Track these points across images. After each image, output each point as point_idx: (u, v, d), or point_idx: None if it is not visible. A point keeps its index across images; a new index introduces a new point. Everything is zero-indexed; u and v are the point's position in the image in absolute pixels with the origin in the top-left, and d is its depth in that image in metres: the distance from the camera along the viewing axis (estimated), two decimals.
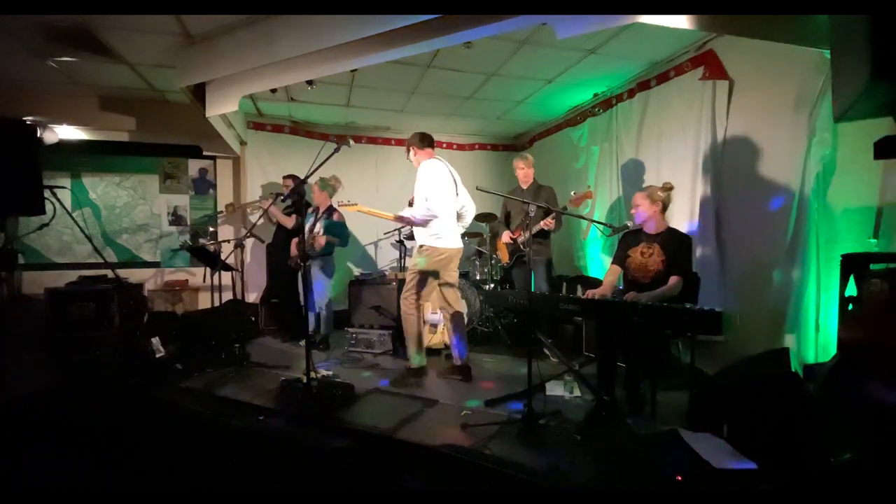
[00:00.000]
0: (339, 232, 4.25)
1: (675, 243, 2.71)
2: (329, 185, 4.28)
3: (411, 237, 3.75)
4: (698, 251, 3.44)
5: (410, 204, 3.45)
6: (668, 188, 2.82)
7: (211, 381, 3.28)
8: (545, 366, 3.39)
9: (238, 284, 4.21)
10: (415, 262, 3.31)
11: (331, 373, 3.41)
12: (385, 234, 5.37)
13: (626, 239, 2.93)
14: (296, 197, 4.52)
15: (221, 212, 5.30)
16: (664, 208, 2.80)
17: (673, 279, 2.64)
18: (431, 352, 3.94)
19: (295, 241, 4.26)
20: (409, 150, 3.44)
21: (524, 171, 4.07)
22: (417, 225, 3.26)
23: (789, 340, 2.79)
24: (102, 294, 4.31)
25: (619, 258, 2.93)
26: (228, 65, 3.28)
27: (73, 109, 4.57)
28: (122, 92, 4.51)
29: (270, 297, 5.08)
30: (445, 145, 6.36)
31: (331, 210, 4.30)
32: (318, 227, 4.19)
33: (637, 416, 2.57)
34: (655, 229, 2.78)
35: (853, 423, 1.86)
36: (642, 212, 2.77)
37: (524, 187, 4.10)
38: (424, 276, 3.26)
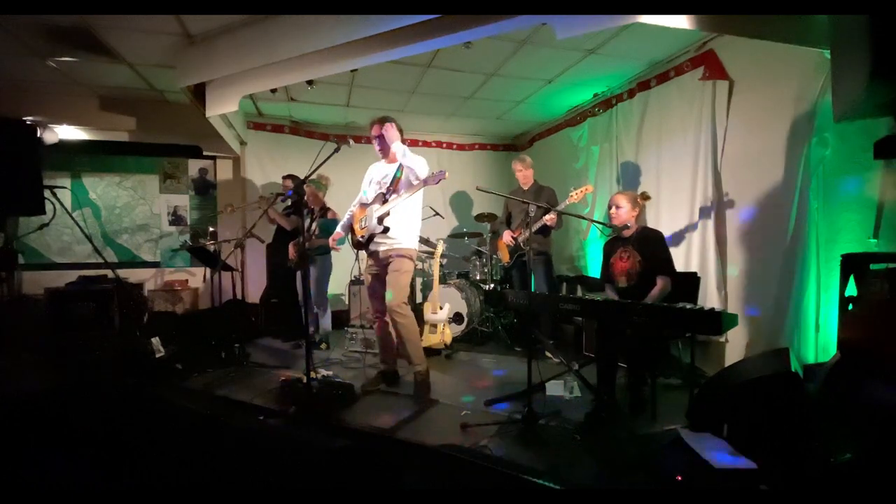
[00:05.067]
0: (333, 229, 4.24)
1: (648, 242, 2.74)
2: (322, 186, 4.29)
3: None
4: (698, 251, 3.44)
5: (384, 201, 3.04)
6: (646, 198, 2.86)
7: (211, 381, 3.28)
8: (545, 366, 3.39)
9: (238, 284, 4.21)
10: (404, 267, 3.06)
11: (331, 373, 3.41)
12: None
13: (607, 248, 2.97)
14: (296, 197, 4.52)
15: (221, 212, 5.30)
16: (639, 213, 2.85)
17: (660, 280, 2.65)
18: (431, 352, 3.94)
19: (292, 243, 4.26)
20: (384, 125, 3.09)
21: (522, 173, 4.11)
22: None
23: (789, 340, 2.80)
24: (102, 294, 4.31)
25: (605, 272, 2.96)
26: (228, 65, 3.28)
27: (73, 109, 4.57)
28: (122, 92, 4.51)
29: (270, 297, 5.08)
30: (445, 145, 6.36)
31: (324, 209, 4.30)
32: (314, 228, 4.20)
33: (637, 416, 2.57)
34: (629, 232, 2.82)
35: (853, 423, 1.86)
36: (623, 214, 2.79)
37: (525, 188, 4.12)
38: (408, 276, 3.10)
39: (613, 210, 2.82)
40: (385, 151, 3.14)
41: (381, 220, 3.01)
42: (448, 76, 4.19)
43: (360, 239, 3.14)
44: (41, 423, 2.51)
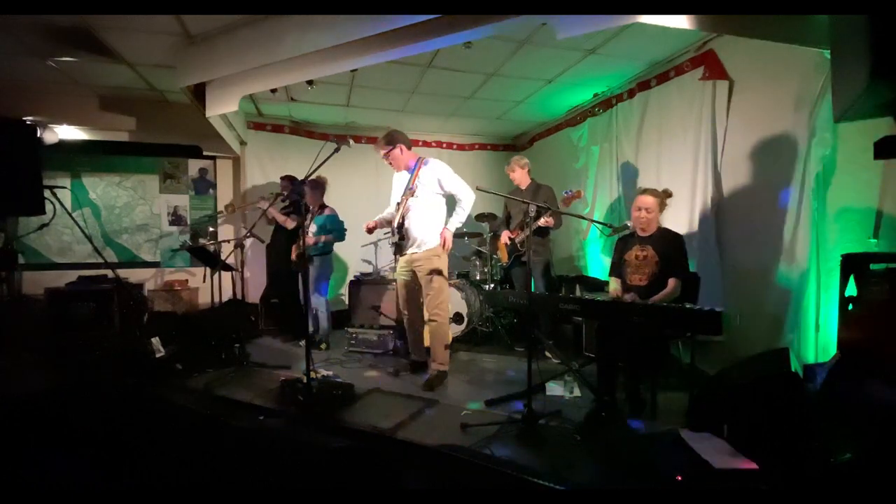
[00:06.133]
0: (333, 226, 4.26)
1: (668, 243, 2.71)
2: (319, 185, 4.30)
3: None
4: (698, 251, 3.43)
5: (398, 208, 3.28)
6: (669, 195, 2.83)
7: (211, 381, 3.27)
8: (545, 366, 3.39)
9: (238, 284, 4.21)
10: (433, 265, 3.17)
11: (331, 373, 3.41)
12: (385, 233, 5.36)
13: (620, 245, 2.94)
14: (295, 197, 4.53)
15: (221, 212, 5.30)
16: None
17: (672, 282, 2.63)
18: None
19: (295, 245, 4.27)
20: (392, 149, 3.22)
21: (514, 174, 4.11)
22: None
23: (789, 340, 2.79)
24: (102, 294, 4.31)
25: (616, 267, 2.93)
26: (228, 65, 3.28)
27: (73, 109, 4.57)
28: (122, 92, 4.51)
29: (270, 297, 5.08)
30: (445, 145, 6.36)
31: (322, 207, 4.32)
32: (312, 227, 4.21)
33: (637, 416, 2.57)
34: (648, 231, 2.78)
35: (853, 423, 1.86)
36: (652, 217, 2.73)
37: (522, 188, 4.12)
38: (443, 276, 3.24)
39: (644, 213, 2.73)
40: (396, 165, 3.34)
41: (399, 226, 3.25)
42: (448, 76, 4.19)
43: (392, 242, 3.38)
44: (41, 423, 2.51)
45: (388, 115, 5.37)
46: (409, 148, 3.31)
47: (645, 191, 2.82)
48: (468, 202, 3.21)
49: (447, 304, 3.29)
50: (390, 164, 3.33)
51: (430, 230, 3.21)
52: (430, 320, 3.25)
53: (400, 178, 3.37)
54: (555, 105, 5.07)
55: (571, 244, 5.19)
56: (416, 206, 3.21)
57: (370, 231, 3.44)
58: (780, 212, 2.91)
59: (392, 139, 3.23)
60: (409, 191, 3.21)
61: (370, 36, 2.79)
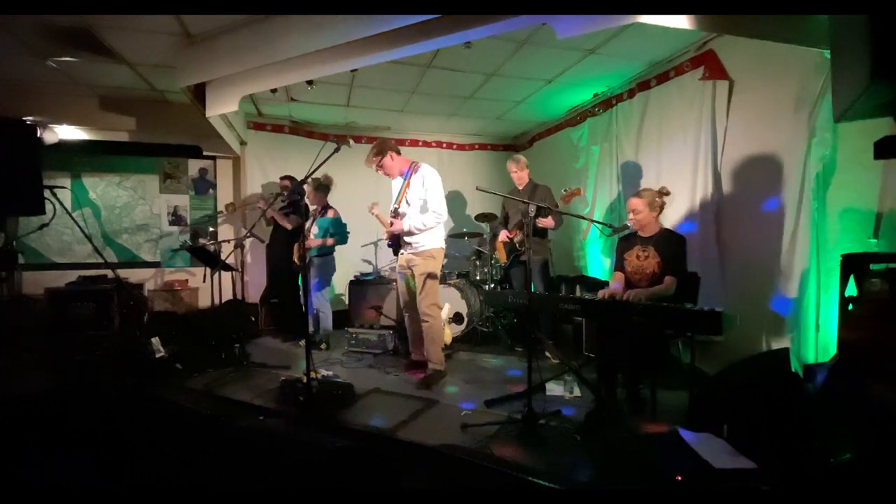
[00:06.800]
0: (336, 229, 4.26)
1: (670, 244, 2.70)
2: (323, 185, 4.30)
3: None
4: (698, 251, 3.43)
5: (395, 214, 3.37)
6: (665, 193, 2.81)
7: (211, 381, 3.28)
8: (545, 366, 3.39)
9: (238, 284, 4.21)
10: (427, 268, 3.27)
11: (331, 373, 3.41)
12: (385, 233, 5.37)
13: (622, 244, 2.93)
14: (295, 197, 4.53)
15: (221, 212, 5.30)
16: (660, 212, 2.80)
17: (668, 279, 2.62)
18: None
19: (297, 246, 4.27)
20: (382, 158, 3.28)
21: (517, 174, 4.13)
22: (420, 232, 3.27)
23: (789, 340, 2.79)
24: (102, 294, 4.31)
25: (619, 265, 2.92)
26: (228, 65, 3.28)
27: (73, 109, 4.56)
28: (122, 92, 4.51)
29: (270, 297, 5.08)
30: (445, 145, 6.36)
31: (325, 208, 4.31)
32: (313, 228, 4.20)
33: (637, 416, 2.57)
34: (650, 232, 2.77)
35: (853, 423, 1.86)
36: (641, 218, 2.74)
37: (520, 188, 4.12)
38: (435, 278, 3.32)
39: (631, 216, 2.75)
40: (389, 173, 3.40)
41: (391, 233, 3.37)
42: (448, 76, 4.19)
43: (388, 245, 3.53)
44: (41, 423, 2.51)
45: (388, 115, 5.37)
46: (398, 153, 3.38)
47: (636, 193, 2.81)
48: (434, 218, 3.21)
49: (438, 304, 3.38)
50: (385, 174, 3.41)
51: (425, 233, 3.27)
52: (422, 321, 3.31)
53: (396, 185, 3.46)
54: (555, 105, 5.07)
55: (571, 244, 5.19)
56: (410, 210, 3.29)
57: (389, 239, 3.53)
58: (780, 212, 2.91)
59: (380, 149, 3.31)
60: (403, 196, 3.33)
61: (370, 36, 2.79)
